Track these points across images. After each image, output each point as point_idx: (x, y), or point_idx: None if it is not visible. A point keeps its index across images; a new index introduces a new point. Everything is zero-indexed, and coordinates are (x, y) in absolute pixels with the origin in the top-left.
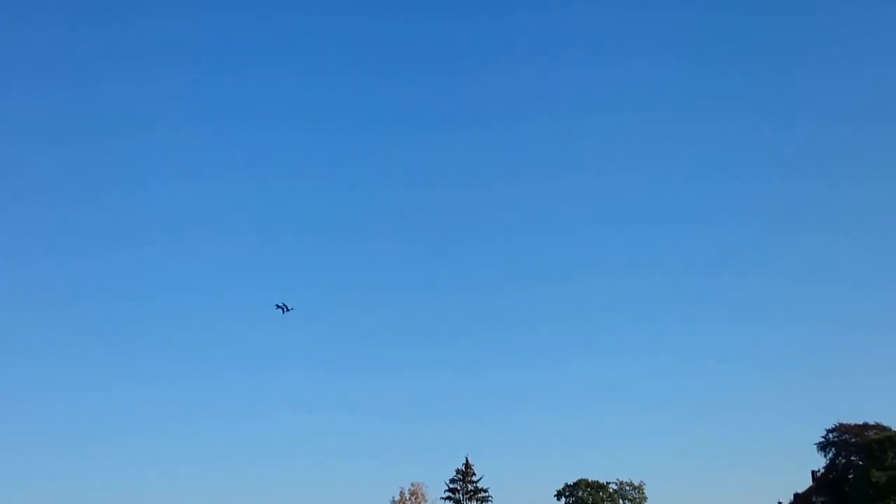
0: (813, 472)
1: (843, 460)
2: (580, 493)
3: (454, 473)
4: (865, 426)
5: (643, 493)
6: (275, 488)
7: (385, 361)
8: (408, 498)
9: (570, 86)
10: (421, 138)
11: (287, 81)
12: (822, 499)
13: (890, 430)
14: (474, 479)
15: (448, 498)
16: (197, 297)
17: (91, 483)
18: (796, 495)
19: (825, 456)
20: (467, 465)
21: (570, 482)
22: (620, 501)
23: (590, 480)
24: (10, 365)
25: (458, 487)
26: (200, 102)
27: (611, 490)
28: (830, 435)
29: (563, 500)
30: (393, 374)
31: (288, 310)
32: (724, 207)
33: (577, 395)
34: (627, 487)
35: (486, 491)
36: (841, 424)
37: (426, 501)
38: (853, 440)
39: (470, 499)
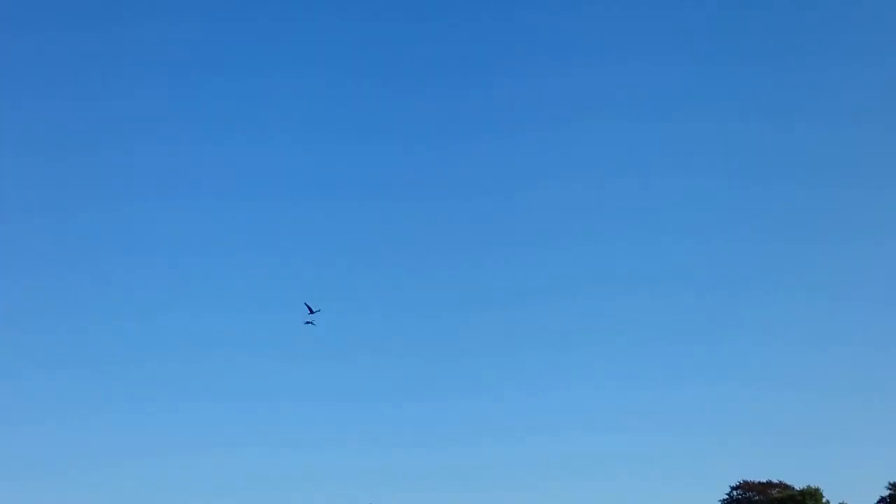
0: None
1: None
2: None
3: None
4: (769, 484)
5: None
6: None
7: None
8: None
9: (574, 90)
10: (423, 148)
11: (282, 92)
12: None
13: (792, 488)
14: None
15: None
16: (192, 318)
17: None
18: None
19: None
20: None
21: None
22: None
23: None
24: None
25: None
26: (199, 113)
27: None
28: (734, 492)
29: None
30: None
31: (311, 313)
32: (736, 215)
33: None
34: None
35: None
36: (745, 482)
37: None
38: (756, 498)
39: None
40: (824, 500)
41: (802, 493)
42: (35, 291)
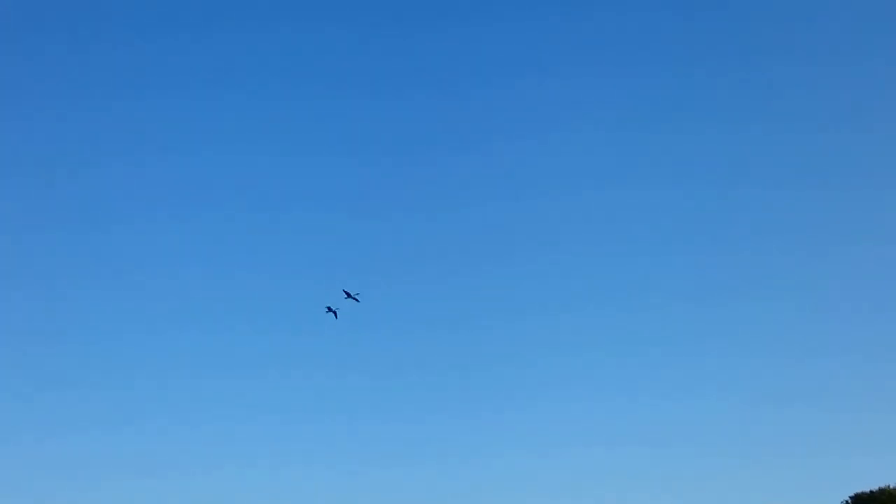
0: None
1: None
2: None
3: None
4: None
5: None
6: None
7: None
8: None
9: (568, 98)
10: (418, 160)
11: (276, 104)
12: None
13: None
14: None
15: None
16: (191, 333)
17: None
18: None
19: None
20: None
21: None
22: None
23: None
24: None
25: None
26: (195, 125)
27: None
28: None
29: None
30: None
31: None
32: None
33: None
34: None
35: None
36: None
37: None
38: None
39: None
40: None
41: None
42: (47, 306)
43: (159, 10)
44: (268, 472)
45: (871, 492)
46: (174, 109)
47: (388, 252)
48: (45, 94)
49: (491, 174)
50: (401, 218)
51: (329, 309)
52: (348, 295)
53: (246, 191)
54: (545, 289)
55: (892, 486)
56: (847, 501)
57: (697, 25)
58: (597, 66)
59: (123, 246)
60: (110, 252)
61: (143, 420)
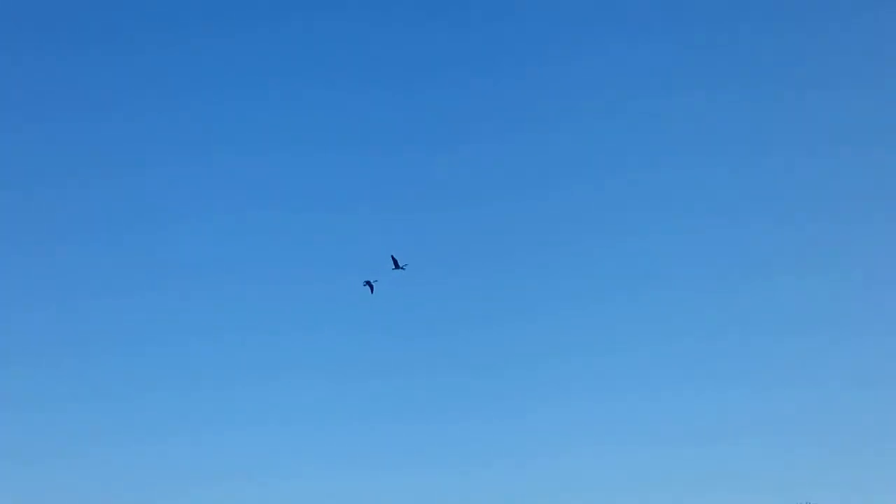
0: None
1: None
2: None
3: None
4: None
5: None
6: None
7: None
8: None
9: (571, 89)
10: (423, 154)
11: (276, 101)
12: None
13: None
14: None
15: None
16: (191, 344)
17: None
18: None
19: None
20: None
21: None
22: None
23: None
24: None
25: None
26: (194, 126)
27: None
28: None
29: None
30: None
31: (400, 268)
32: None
33: None
34: None
35: None
36: None
37: None
38: None
39: None
40: None
41: None
42: (63, 313)
43: (153, 9)
44: (275, 476)
45: None
46: (173, 110)
47: (394, 251)
48: (45, 96)
49: (489, 172)
50: (404, 217)
51: (367, 283)
52: (396, 264)
53: (247, 191)
54: (555, 287)
55: None
56: None
57: None
58: (602, 50)
59: (127, 250)
60: (115, 257)
61: (149, 427)
